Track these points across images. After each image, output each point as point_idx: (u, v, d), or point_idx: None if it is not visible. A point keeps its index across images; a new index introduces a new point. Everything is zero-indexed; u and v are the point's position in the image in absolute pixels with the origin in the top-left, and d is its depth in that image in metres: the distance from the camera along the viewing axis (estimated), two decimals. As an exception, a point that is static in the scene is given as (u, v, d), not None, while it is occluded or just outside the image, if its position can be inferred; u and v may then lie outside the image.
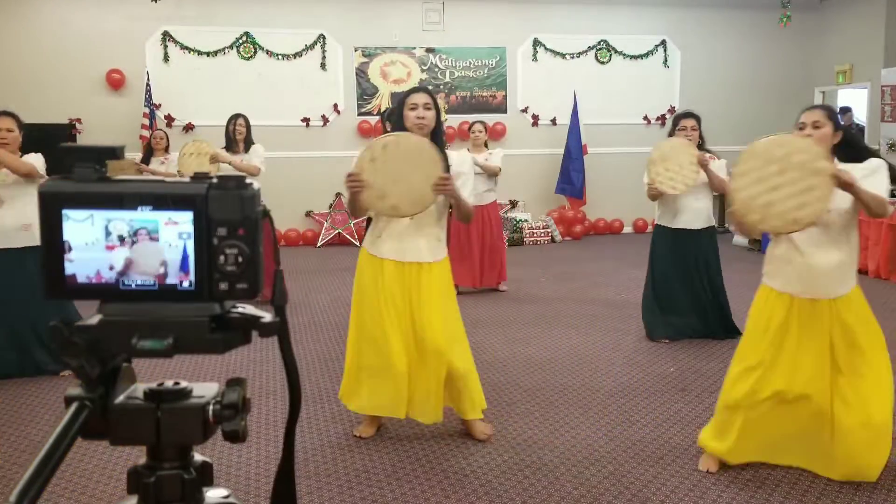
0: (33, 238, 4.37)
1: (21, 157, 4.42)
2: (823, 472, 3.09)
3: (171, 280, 0.88)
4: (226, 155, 6.17)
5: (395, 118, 3.54)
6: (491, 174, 6.76)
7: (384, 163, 3.17)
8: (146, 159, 7.47)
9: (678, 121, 5.14)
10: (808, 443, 3.08)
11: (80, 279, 0.89)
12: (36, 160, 4.44)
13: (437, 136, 3.45)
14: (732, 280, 7.39)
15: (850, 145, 3.09)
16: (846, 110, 10.33)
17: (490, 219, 6.80)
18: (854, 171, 2.90)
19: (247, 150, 6.33)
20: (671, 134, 5.21)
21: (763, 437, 3.10)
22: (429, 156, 3.18)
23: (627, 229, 11.09)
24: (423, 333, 3.39)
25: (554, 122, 10.73)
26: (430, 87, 10.31)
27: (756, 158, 2.85)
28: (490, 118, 10.43)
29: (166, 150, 7.56)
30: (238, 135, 6.30)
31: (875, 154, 3.10)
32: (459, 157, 3.59)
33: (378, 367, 3.43)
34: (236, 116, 6.37)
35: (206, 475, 0.96)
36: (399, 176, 3.17)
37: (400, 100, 3.51)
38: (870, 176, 2.92)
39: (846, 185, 2.80)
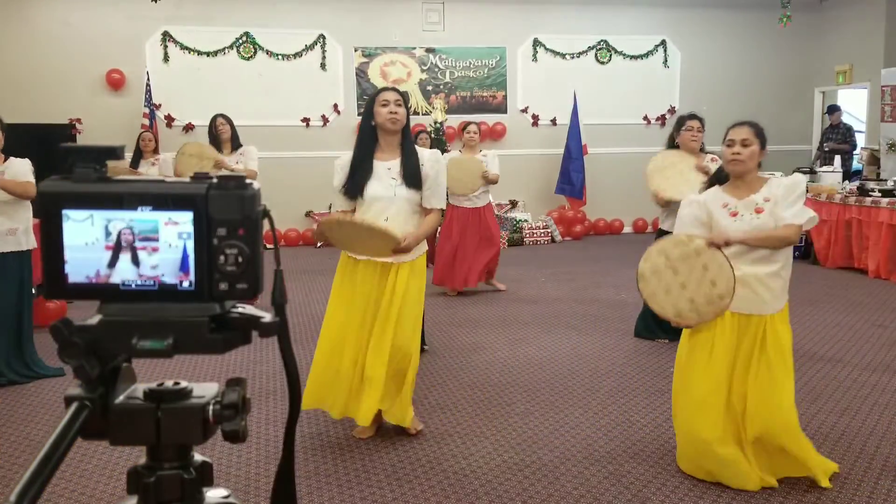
0: (17, 243, 4.38)
1: (4, 160, 4.37)
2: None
3: (170, 280, 0.88)
4: (228, 163, 6.09)
5: (364, 114, 3.53)
6: (492, 183, 6.63)
7: (341, 234, 3.31)
8: (135, 162, 7.35)
9: (684, 121, 5.10)
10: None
11: (81, 279, 0.89)
12: (22, 166, 4.40)
13: (406, 135, 3.49)
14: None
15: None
16: (835, 109, 10.33)
17: (487, 220, 6.76)
18: (778, 188, 2.96)
19: (234, 150, 6.19)
20: (673, 135, 5.15)
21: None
22: (379, 233, 3.18)
23: (627, 229, 11.10)
24: (394, 332, 3.41)
25: (554, 122, 10.73)
26: (430, 87, 10.34)
27: (647, 280, 2.94)
28: (490, 118, 10.43)
29: (155, 151, 7.50)
30: (222, 135, 6.14)
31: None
32: (432, 157, 3.53)
33: (325, 366, 3.47)
34: (215, 117, 6.20)
35: (206, 475, 0.96)
36: (360, 240, 3.32)
37: (371, 96, 3.51)
38: (796, 202, 2.93)
39: (727, 245, 2.87)
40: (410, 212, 3.45)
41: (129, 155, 7.70)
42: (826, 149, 10.53)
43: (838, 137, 10.35)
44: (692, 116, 5.11)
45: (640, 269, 2.97)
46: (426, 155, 3.50)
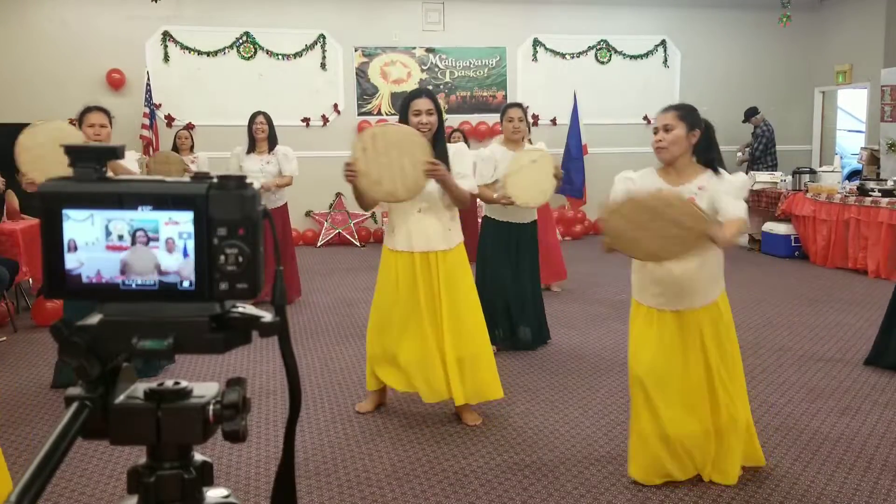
0: None
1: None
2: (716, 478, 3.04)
3: (170, 280, 0.88)
4: (267, 182, 6.01)
5: (399, 118, 3.69)
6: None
7: (375, 151, 3.37)
8: None
9: (506, 111, 4.81)
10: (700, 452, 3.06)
11: (81, 279, 0.89)
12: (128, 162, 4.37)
13: (439, 138, 3.61)
14: (732, 280, 7.40)
15: (706, 148, 2.98)
16: (752, 113, 10.34)
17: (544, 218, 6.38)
18: (722, 182, 2.88)
19: (271, 149, 6.17)
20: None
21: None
22: (415, 141, 3.38)
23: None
24: (441, 319, 3.58)
25: (554, 122, 10.73)
26: (430, 87, 10.34)
27: (631, 205, 2.78)
28: (490, 118, 10.43)
29: (191, 149, 7.56)
30: (260, 133, 6.06)
31: (718, 160, 2.97)
32: (458, 152, 3.68)
33: (381, 356, 3.71)
34: (256, 114, 6.12)
35: (206, 475, 0.96)
36: (390, 162, 3.36)
37: (403, 104, 3.63)
38: (738, 197, 2.86)
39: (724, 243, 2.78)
40: (442, 206, 3.60)
41: (129, 155, 7.71)
42: (738, 160, 10.52)
43: (752, 146, 10.31)
44: (514, 105, 4.88)
45: (640, 195, 2.81)
46: (452, 151, 3.66)
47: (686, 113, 2.94)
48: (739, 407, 2.97)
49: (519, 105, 4.94)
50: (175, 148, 7.65)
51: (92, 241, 0.88)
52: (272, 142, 6.17)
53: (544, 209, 6.33)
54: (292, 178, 6.14)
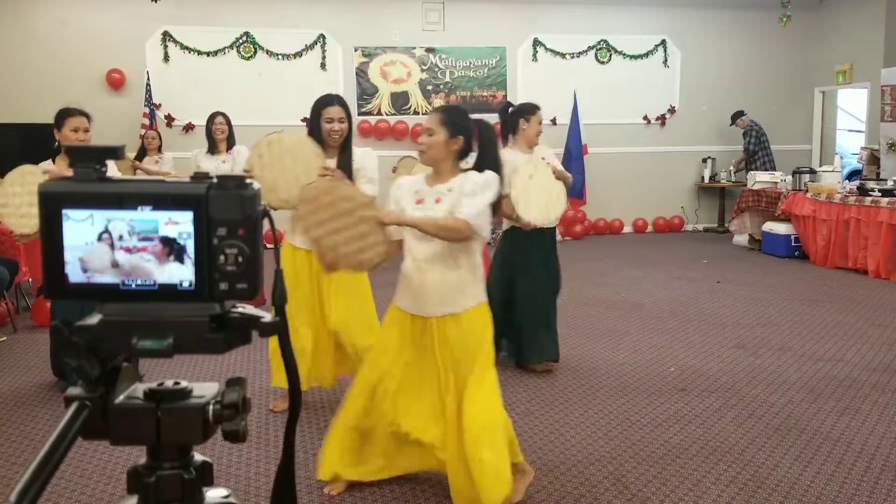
0: None
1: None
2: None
3: (170, 280, 0.88)
4: (146, 167, 6.01)
5: (310, 126, 3.73)
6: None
7: (271, 157, 3.49)
8: (139, 159, 7.52)
9: (535, 112, 4.53)
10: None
11: (81, 279, 0.89)
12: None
13: (347, 145, 3.71)
14: (731, 279, 7.41)
15: (481, 153, 2.90)
16: (738, 115, 10.38)
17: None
18: (467, 182, 2.77)
19: (229, 149, 6.14)
20: (512, 128, 4.57)
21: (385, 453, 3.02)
22: (309, 149, 3.48)
23: (627, 229, 11.09)
24: (328, 314, 3.72)
25: (554, 122, 10.72)
26: (430, 87, 10.34)
27: (308, 204, 2.70)
28: (490, 118, 10.41)
29: (159, 149, 7.61)
30: (219, 134, 6.05)
31: (496, 166, 2.88)
32: (364, 154, 3.76)
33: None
34: (215, 115, 6.10)
35: (206, 475, 0.96)
36: (284, 169, 3.46)
37: (315, 110, 3.70)
38: (474, 194, 2.74)
39: (398, 223, 2.74)
40: None
41: (129, 155, 7.72)
42: (734, 162, 10.56)
43: (744, 145, 10.36)
44: (538, 107, 4.58)
45: (308, 190, 2.75)
46: (357, 153, 3.73)
47: (450, 118, 2.85)
48: (476, 423, 2.75)
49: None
50: (143, 148, 7.69)
51: (92, 241, 0.88)
52: (230, 142, 6.16)
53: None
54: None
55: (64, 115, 4.16)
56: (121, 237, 0.88)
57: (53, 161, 4.24)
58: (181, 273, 0.88)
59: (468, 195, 2.75)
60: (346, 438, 2.99)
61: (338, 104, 3.67)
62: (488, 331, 2.89)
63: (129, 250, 0.88)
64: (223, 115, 6.17)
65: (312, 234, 2.68)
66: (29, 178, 3.89)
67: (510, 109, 4.65)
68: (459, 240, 2.76)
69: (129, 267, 0.88)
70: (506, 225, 4.64)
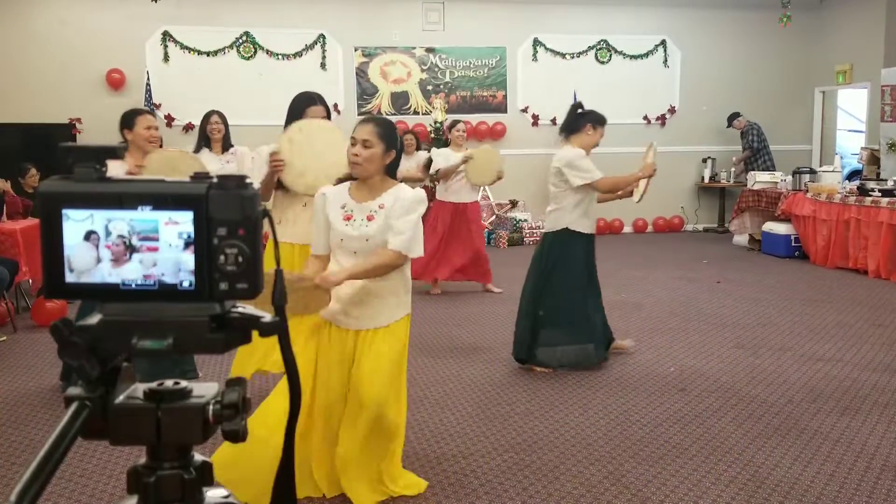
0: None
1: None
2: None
3: (170, 280, 0.88)
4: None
5: (288, 123, 3.72)
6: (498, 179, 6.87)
7: (301, 143, 3.52)
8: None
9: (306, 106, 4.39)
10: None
11: (81, 279, 0.88)
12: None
13: None
14: (731, 280, 7.41)
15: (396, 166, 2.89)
16: (735, 116, 10.41)
17: (468, 218, 6.76)
18: (397, 201, 2.76)
19: (224, 150, 6.01)
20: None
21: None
22: (338, 137, 3.51)
23: (627, 229, 11.09)
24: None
25: (554, 122, 10.72)
26: (430, 87, 10.34)
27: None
28: (490, 118, 10.43)
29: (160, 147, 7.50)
30: (215, 133, 5.88)
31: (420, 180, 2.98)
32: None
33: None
34: (211, 113, 5.96)
35: (206, 475, 0.96)
36: (316, 156, 3.51)
37: (298, 108, 3.73)
38: (406, 214, 2.74)
39: (335, 284, 2.68)
40: None
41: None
42: (734, 162, 10.56)
43: (745, 144, 10.37)
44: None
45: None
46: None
47: (385, 132, 2.80)
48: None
49: None
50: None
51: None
52: (226, 142, 6.02)
53: (472, 211, 6.91)
54: None
55: (135, 114, 4.32)
56: (107, 236, 0.88)
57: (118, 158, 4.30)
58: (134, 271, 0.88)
59: (398, 217, 2.74)
60: None
61: (320, 103, 3.74)
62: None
63: (109, 248, 0.87)
64: (219, 113, 6.07)
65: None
66: (181, 167, 3.99)
67: (580, 110, 4.80)
68: (391, 271, 2.77)
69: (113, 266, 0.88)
70: (570, 224, 4.66)
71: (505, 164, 7.07)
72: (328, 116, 3.76)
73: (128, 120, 4.27)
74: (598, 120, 4.67)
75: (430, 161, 6.62)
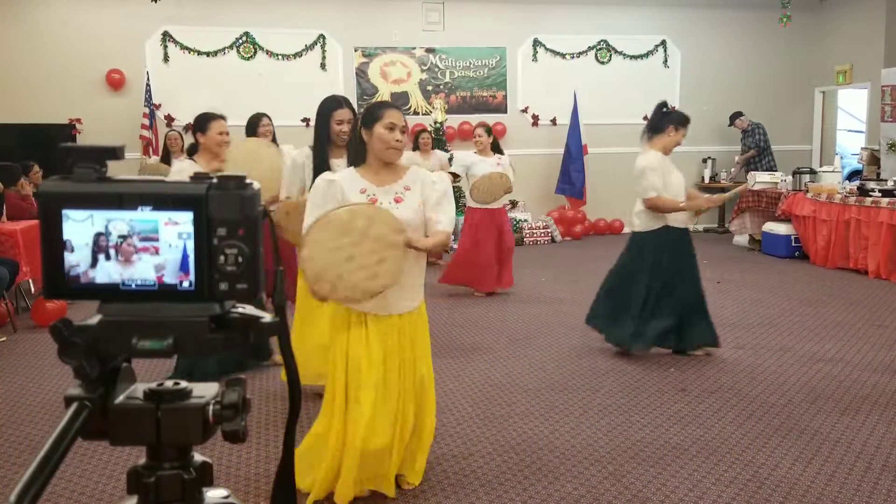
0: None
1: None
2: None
3: (170, 280, 0.88)
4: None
5: (318, 127, 3.79)
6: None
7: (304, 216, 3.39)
8: (166, 160, 7.34)
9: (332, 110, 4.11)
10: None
11: (80, 279, 0.88)
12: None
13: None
14: (731, 280, 7.41)
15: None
16: (736, 116, 10.43)
17: (501, 221, 6.84)
18: (426, 185, 2.84)
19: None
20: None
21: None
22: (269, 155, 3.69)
23: (627, 229, 11.07)
24: None
25: (554, 122, 10.73)
26: (430, 87, 10.33)
27: (331, 229, 2.58)
28: (490, 118, 10.42)
29: (182, 149, 7.50)
30: (266, 136, 5.89)
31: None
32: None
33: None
34: (260, 116, 5.95)
35: (206, 475, 0.96)
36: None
37: (325, 111, 3.77)
38: (444, 201, 2.84)
39: (425, 249, 2.75)
40: None
41: (129, 155, 7.71)
42: (737, 161, 10.56)
43: (751, 143, 10.36)
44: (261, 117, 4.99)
45: (338, 215, 2.61)
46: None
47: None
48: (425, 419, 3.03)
49: None
50: (166, 149, 7.61)
51: (91, 242, 0.88)
52: (274, 141, 6.08)
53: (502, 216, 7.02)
54: None
55: (209, 118, 4.28)
56: (103, 235, 0.87)
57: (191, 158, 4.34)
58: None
59: (437, 203, 2.83)
60: None
61: (346, 107, 3.81)
62: None
63: (110, 248, 0.88)
64: (268, 116, 6.03)
65: (317, 263, 2.56)
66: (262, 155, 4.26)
67: (664, 109, 4.85)
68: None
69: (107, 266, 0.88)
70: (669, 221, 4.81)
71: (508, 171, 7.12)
72: (354, 117, 3.76)
73: (201, 124, 4.29)
74: (680, 121, 4.77)
75: (451, 158, 6.70)
